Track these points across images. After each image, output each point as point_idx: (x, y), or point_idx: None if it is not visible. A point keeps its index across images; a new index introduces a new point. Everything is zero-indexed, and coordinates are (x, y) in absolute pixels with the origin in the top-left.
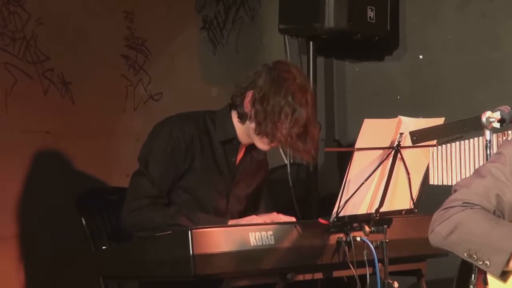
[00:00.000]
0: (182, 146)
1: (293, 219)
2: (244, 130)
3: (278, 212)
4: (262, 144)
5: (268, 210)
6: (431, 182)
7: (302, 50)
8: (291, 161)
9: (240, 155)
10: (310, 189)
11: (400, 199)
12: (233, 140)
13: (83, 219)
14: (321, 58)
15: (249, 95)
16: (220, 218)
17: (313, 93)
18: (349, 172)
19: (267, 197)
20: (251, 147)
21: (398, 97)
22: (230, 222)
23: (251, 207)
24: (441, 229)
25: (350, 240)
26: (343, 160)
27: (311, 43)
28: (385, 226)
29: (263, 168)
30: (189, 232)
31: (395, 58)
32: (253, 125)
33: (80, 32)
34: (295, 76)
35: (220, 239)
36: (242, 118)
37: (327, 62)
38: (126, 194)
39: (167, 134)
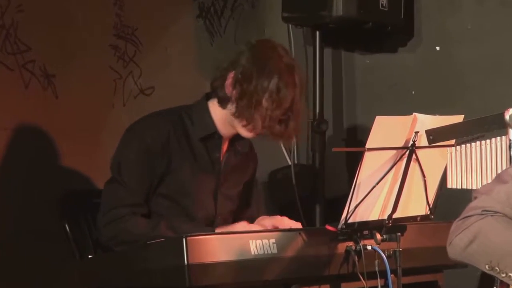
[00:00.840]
0: (157, 147)
1: (298, 224)
2: (225, 119)
3: (282, 215)
4: (245, 130)
5: (270, 213)
6: (448, 186)
7: (307, 41)
8: (296, 161)
9: (223, 150)
10: (316, 193)
11: (415, 204)
12: (214, 135)
13: (66, 224)
14: (329, 49)
15: (230, 76)
16: (208, 227)
17: (303, 76)
18: (359, 174)
19: (269, 200)
20: (235, 139)
21: (413, 92)
22: (218, 230)
23: (243, 205)
24: (460, 240)
25: (360, 249)
26: (353, 161)
27: (317, 33)
28: (399, 233)
29: (252, 160)
30: (184, 239)
31: (409, 50)
32: (233, 108)
33: (64, 20)
34: (281, 54)
35: (217, 248)
36: (223, 102)
37: (335, 54)
38: (100, 205)
39: (139, 136)
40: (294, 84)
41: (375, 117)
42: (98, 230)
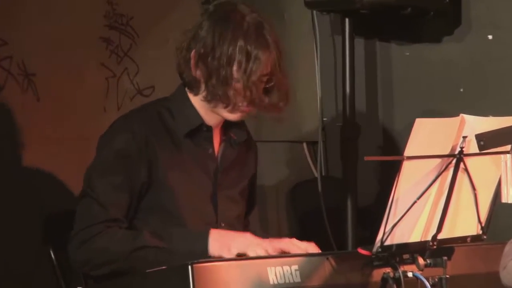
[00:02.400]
0: (132, 152)
1: (313, 246)
2: (203, 106)
3: (307, 235)
4: (229, 113)
5: (294, 234)
6: (503, 200)
7: (335, 30)
8: (323, 173)
9: (216, 143)
10: (346, 210)
11: (464, 222)
12: (201, 127)
13: (51, 250)
14: (360, 39)
15: (193, 55)
16: (202, 231)
17: (275, 33)
18: (397, 187)
19: (292, 219)
20: (227, 127)
21: (461, 89)
22: (213, 232)
23: (252, 204)
24: None
25: (400, 276)
26: (390, 172)
27: (347, 20)
28: (445, 257)
29: (251, 150)
30: (190, 267)
31: (456, 39)
32: (204, 91)
33: (46, 9)
34: (242, 13)
35: (230, 276)
36: (193, 88)
37: (368, 44)
38: (73, 225)
39: (110, 142)
40: (265, 43)
41: (415, 120)
42: (69, 255)
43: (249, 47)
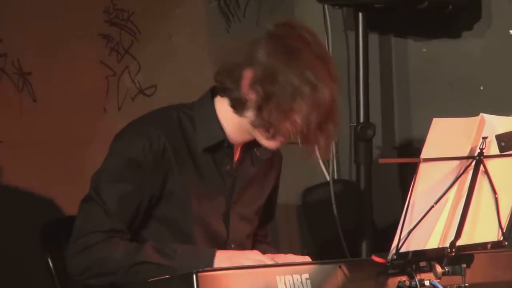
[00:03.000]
0: (148, 162)
1: (307, 259)
2: (239, 124)
3: (320, 243)
4: (269, 142)
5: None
6: None
7: (348, 25)
8: (335, 176)
9: (236, 160)
10: (360, 215)
11: (484, 228)
12: (223, 143)
13: (49, 258)
14: (375, 34)
15: (248, 74)
16: (208, 248)
17: (335, 67)
18: (414, 191)
19: (304, 226)
20: (251, 144)
21: (481, 87)
22: (219, 253)
23: (267, 219)
24: None
25: (416, 284)
26: (406, 175)
27: (360, 14)
28: (464, 265)
29: (274, 166)
30: (194, 276)
31: (476, 34)
32: (251, 114)
33: (42, 4)
34: (309, 42)
35: (237, 285)
36: (238, 108)
37: (383, 40)
38: (73, 228)
39: (126, 147)
40: (331, 78)
41: (432, 120)
42: (67, 261)
43: (315, 82)
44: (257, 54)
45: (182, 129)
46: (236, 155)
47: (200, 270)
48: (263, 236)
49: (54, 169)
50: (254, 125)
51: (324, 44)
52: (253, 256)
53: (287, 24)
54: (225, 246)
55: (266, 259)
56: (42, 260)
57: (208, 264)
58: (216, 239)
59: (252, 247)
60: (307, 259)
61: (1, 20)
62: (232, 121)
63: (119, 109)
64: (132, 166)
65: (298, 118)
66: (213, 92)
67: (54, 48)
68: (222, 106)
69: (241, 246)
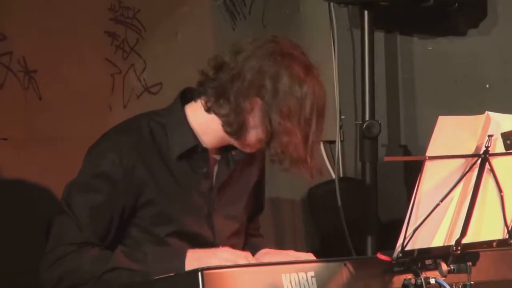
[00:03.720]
0: (118, 176)
1: (311, 257)
2: (216, 131)
3: (325, 240)
4: (248, 147)
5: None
6: None
7: (354, 23)
8: (341, 174)
9: (212, 161)
10: (366, 213)
11: (490, 225)
12: (196, 148)
13: None
14: (381, 32)
15: (256, 104)
16: (180, 249)
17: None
18: (419, 189)
19: (309, 223)
20: (226, 146)
21: (487, 85)
22: (190, 253)
23: (256, 211)
24: None
25: (422, 282)
26: (411, 173)
27: (366, 12)
28: (469, 263)
29: (254, 163)
30: (200, 274)
31: (482, 32)
32: (254, 136)
33: (48, 2)
34: (302, 59)
35: (242, 283)
36: (236, 133)
37: (389, 39)
38: (48, 241)
39: (98, 160)
40: (324, 96)
41: (438, 117)
42: (40, 274)
43: (314, 102)
44: (264, 82)
45: (154, 139)
46: (213, 158)
47: (206, 268)
48: (255, 229)
49: (59, 167)
50: (277, 153)
51: (330, 42)
52: (223, 255)
53: (287, 52)
54: (212, 247)
55: (237, 257)
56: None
57: (180, 265)
58: (201, 242)
59: (245, 242)
60: (310, 255)
61: (7, 18)
62: (212, 132)
63: (125, 107)
64: (103, 179)
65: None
66: (183, 96)
67: (59, 46)
68: (199, 116)
69: (231, 246)
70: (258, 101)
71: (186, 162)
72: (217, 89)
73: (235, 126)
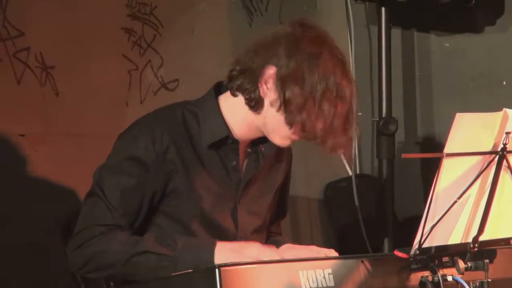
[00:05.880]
0: (150, 160)
1: (332, 253)
2: (248, 121)
3: (342, 237)
4: (281, 139)
5: (327, 237)
6: None
7: (371, 19)
8: (358, 171)
9: (242, 153)
10: (383, 210)
11: (507, 223)
12: (227, 139)
13: None
14: (397, 29)
15: (269, 72)
16: (209, 239)
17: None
18: (436, 186)
19: (326, 221)
20: (257, 140)
21: (504, 82)
22: (220, 245)
23: (279, 215)
24: None
25: (439, 280)
26: (428, 170)
27: (383, 9)
28: (487, 260)
29: (282, 161)
30: (217, 270)
31: (499, 29)
32: (273, 112)
33: None
34: (330, 44)
35: (259, 280)
36: (256, 105)
37: (406, 35)
38: (77, 223)
39: (130, 145)
40: (349, 80)
41: (455, 115)
42: (67, 255)
43: (337, 85)
44: (278, 53)
45: (186, 127)
46: (243, 151)
47: (223, 264)
48: (277, 234)
49: (76, 163)
50: (286, 122)
51: (347, 38)
52: (255, 250)
53: (304, 24)
54: (234, 240)
55: (269, 251)
56: (64, 255)
57: (209, 255)
58: (224, 234)
59: (266, 241)
60: (332, 251)
61: (24, 14)
62: (240, 118)
63: (141, 103)
64: (134, 163)
65: (326, 118)
66: (217, 88)
67: (77, 42)
68: (228, 103)
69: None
70: (273, 69)
71: (216, 152)
72: (241, 69)
73: (254, 99)
